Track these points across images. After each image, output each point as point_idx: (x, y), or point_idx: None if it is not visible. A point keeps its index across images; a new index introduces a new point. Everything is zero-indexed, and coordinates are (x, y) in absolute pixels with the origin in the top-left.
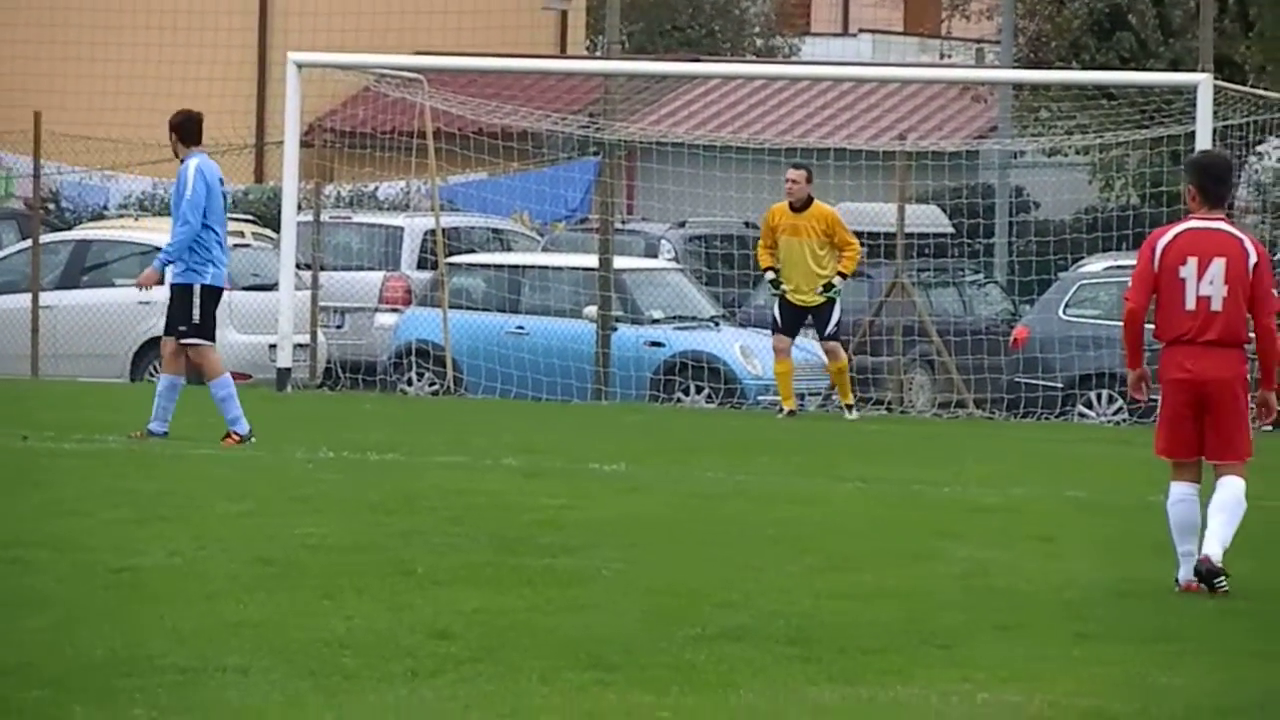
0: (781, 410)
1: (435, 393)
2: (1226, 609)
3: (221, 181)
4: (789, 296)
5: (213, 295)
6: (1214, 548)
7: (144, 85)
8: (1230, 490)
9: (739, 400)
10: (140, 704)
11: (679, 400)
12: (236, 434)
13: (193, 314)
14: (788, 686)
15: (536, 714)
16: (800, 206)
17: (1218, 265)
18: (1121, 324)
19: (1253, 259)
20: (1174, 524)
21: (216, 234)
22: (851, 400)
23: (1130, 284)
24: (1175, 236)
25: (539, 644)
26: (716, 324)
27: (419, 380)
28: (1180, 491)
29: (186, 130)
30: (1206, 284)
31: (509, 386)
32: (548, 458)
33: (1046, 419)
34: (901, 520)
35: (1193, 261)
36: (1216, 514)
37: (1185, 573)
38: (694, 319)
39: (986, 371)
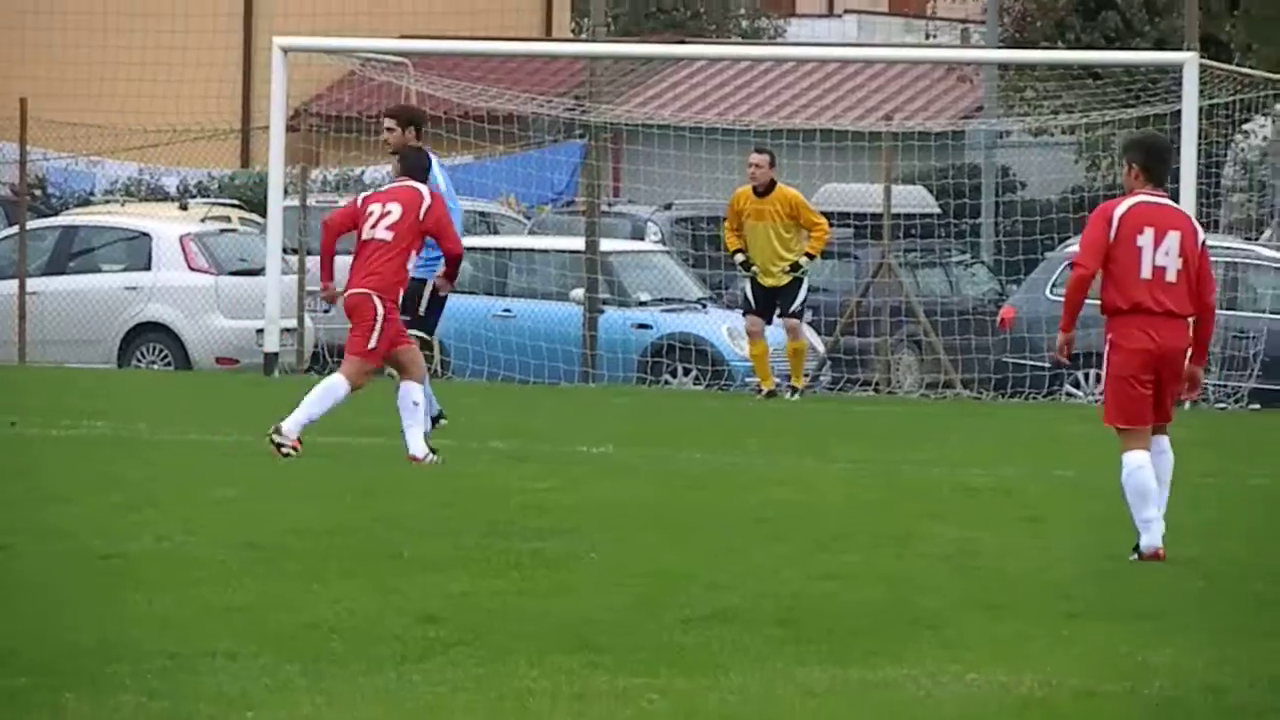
0: (760, 391)
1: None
2: (1214, 588)
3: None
4: (757, 279)
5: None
6: (1157, 538)
7: (130, 71)
8: (1167, 455)
9: (726, 382)
10: (129, 689)
11: (667, 382)
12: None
13: (419, 307)
14: (776, 668)
15: (525, 697)
16: (764, 190)
17: (1173, 238)
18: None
19: (1200, 236)
20: (1134, 492)
21: None
22: (800, 384)
23: (1080, 250)
24: (1130, 207)
25: (527, 627)
26: (704, 306)
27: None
28: (1138, 459)
29: (420, 129)
30: (1162, 254)
31: (496, 369)
32: (535, 441)
33: (1034, 399)
34: (889, 501)
35: (1149, 231)
36: (1161, 490)
37: (1147, 540)
38: (681, 301)
39: (974, 352)
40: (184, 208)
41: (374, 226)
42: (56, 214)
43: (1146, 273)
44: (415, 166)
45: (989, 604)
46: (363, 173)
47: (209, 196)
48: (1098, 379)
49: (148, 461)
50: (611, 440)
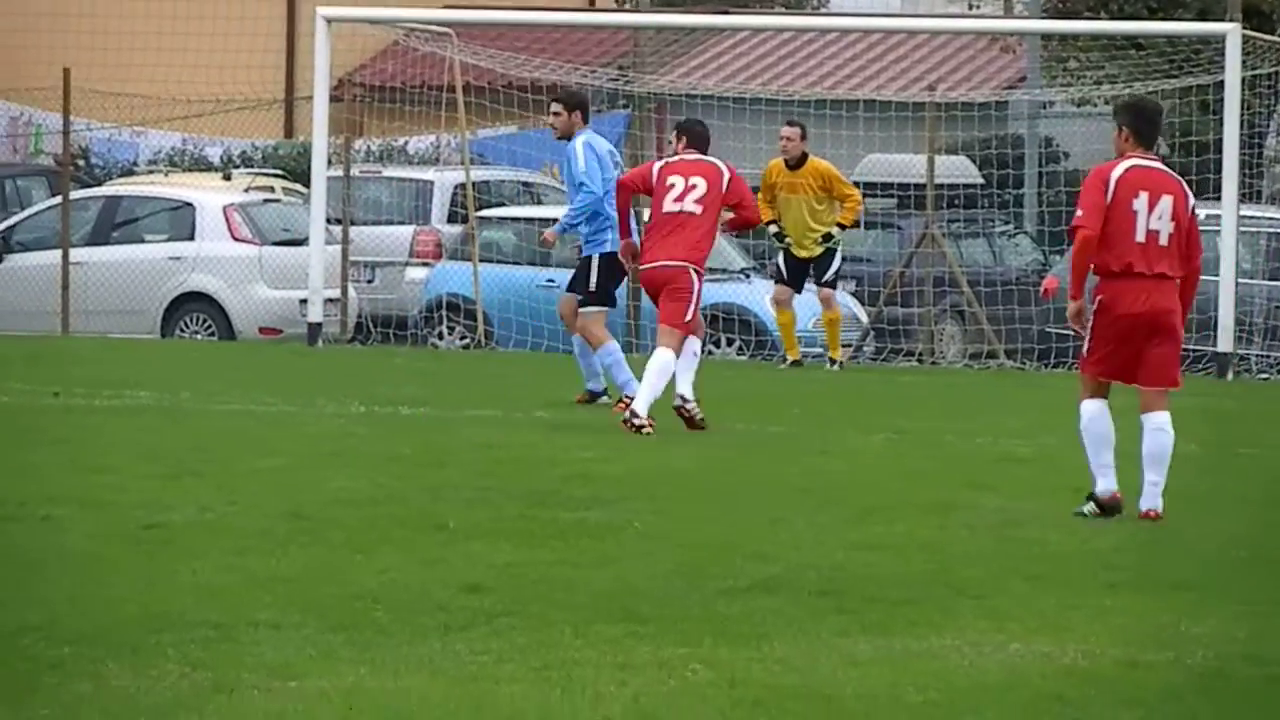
0: (785, 360)
1: (466, 346)
2: (1257, 557)
3: (611, 154)
4: (791, 250)
5: (610, 263)
6: (1159, 502)
7: (173, 41)
8: (1166, 434)
9: (770, 352)
10: (172, 659)
11: (710, 352)
12: (627, 397)
13: (590, 282)
14: (820, 638)
15: (569, 667)
16: (795, 164)
17: (1166, 201)
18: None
19: (1191, 201)
20: (1095, 438)
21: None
22: (838, 355)
23: (1081, 213)
24: (1126, 170)
25: (571, 597)
26: (747, 276)
27: (450, 334)
28: (1098, 407)
29: (586, 112)
30: (1155, 218)
31: (539, 340)
32: (579, 411)
33: (1077, 369)
34: (932, 471)
35: (1144, 195)
36: (1157, 465)
37: (1105, 485)
38: (724, 271)
39: (1017, 322)
40: (227, 178)
41: (679, 200)
42: (100, 184)
43: (1141, 236)
44: (702, 139)
45: (1032, 574)
46: (406, 143)
47: (252, 167)
48: None
49: (191, 432)
50: (655, 410)
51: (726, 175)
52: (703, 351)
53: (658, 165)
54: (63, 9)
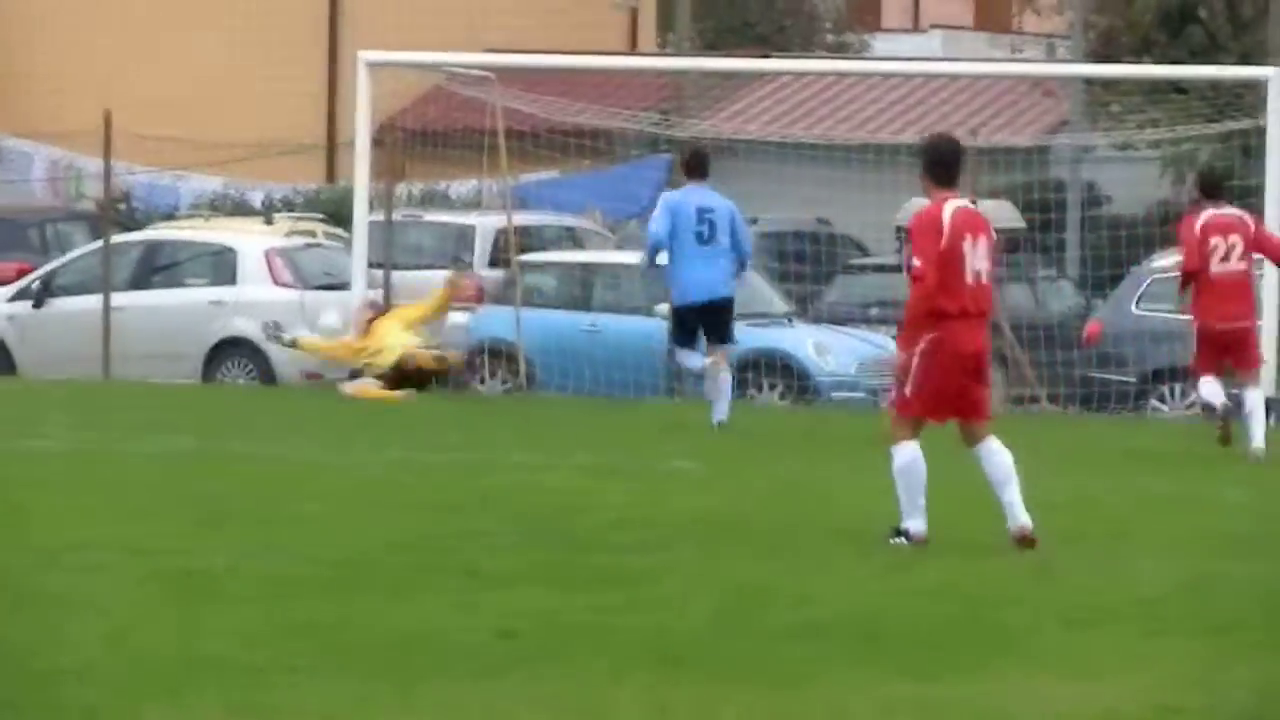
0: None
1: (508, 391)
2: None
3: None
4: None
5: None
6: (1026, 517)
7: (215, 85)
8: (1006, 453)
9: (812, 397)
10: (211, 704)
11: (752, 397)
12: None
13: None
14: (858, 682)
15: (605, 712)
16: None
17: (984, 242)
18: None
19: (993, 237)
20: (916, 480)
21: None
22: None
23: (921, 261)
24: (954, 213)
25: (608, 642)
26: (789, 321)
27: (491, 379)
28: (916, 448)
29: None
30: (978, 259)
31: (582, 384)
32: (619, 456)
33: (1119, 414)
34: (972, 515)
35: (969, 238)
36: (1008, 482)
37: (919, 526)
38: (766, 316)
39: (1059, 366)
40: (269, 222)
41: (1225, 260)
42: (141, 229)
43: (970, 278)
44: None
45: (1070, 619)
46: (448, 187)
47: (294, 211)
48: (1183, 394)
49: (232, 477)
50: (695, 455)
51: (1251, 228)
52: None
53: (1200, 227)
54: (103, 52)
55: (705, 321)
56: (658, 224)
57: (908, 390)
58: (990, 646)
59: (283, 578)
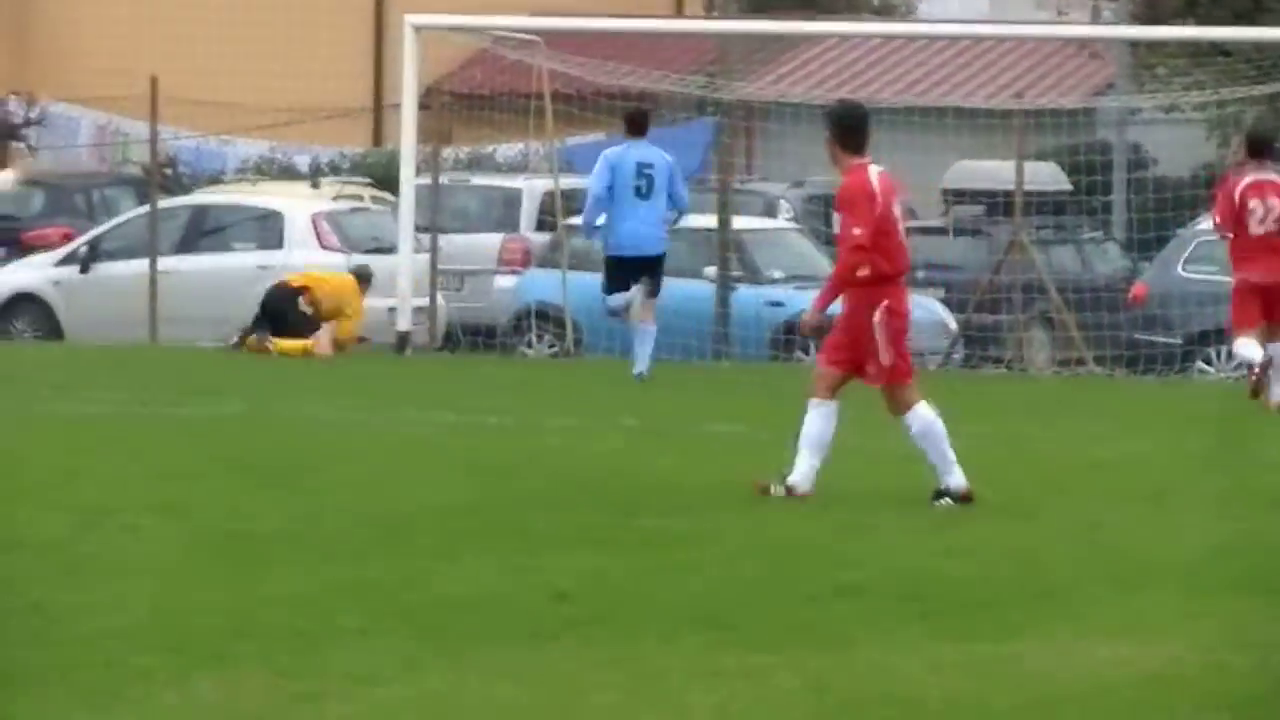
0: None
1: (555, 354)
2: None
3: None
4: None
5: None
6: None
7: (261, 49)
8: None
9: None
10: (258, 667)
11: (799, 359)
12: None
13: None
14: (905, 643)
15: (655, 675)
16: None
17: (899, 204)
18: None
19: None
20: (939, 437)
21: None
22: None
23: (861, 230)
24: (879, 178)
25: (656, 605)
26: None
27: (538, 342)
28: (928, 407)
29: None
30: (902, 222)
31: (628, 348)
32: (666, 419)
33: (1165, 376)
34: (1018, 476)
35: (895, 201)
36: (943, 441)
37: (960, 480)
38: (813, 278)
39: (1105, 329)
40: (316, 186)
41: (1262, 222)
42: (188, 193)
43: (902, 238)
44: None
45: (1117, 578)
46: (494, 151)
47: (340, 175)
48: (1228, 355)
49: (277, 440)
50: (742, 418)
51: None
52: None
53: (1241, 189)
54: (149, 16)
55: (635, 273)
56: (597, 181)
57: (886, 359)
58: (1037, 606)
59: (331, 540)
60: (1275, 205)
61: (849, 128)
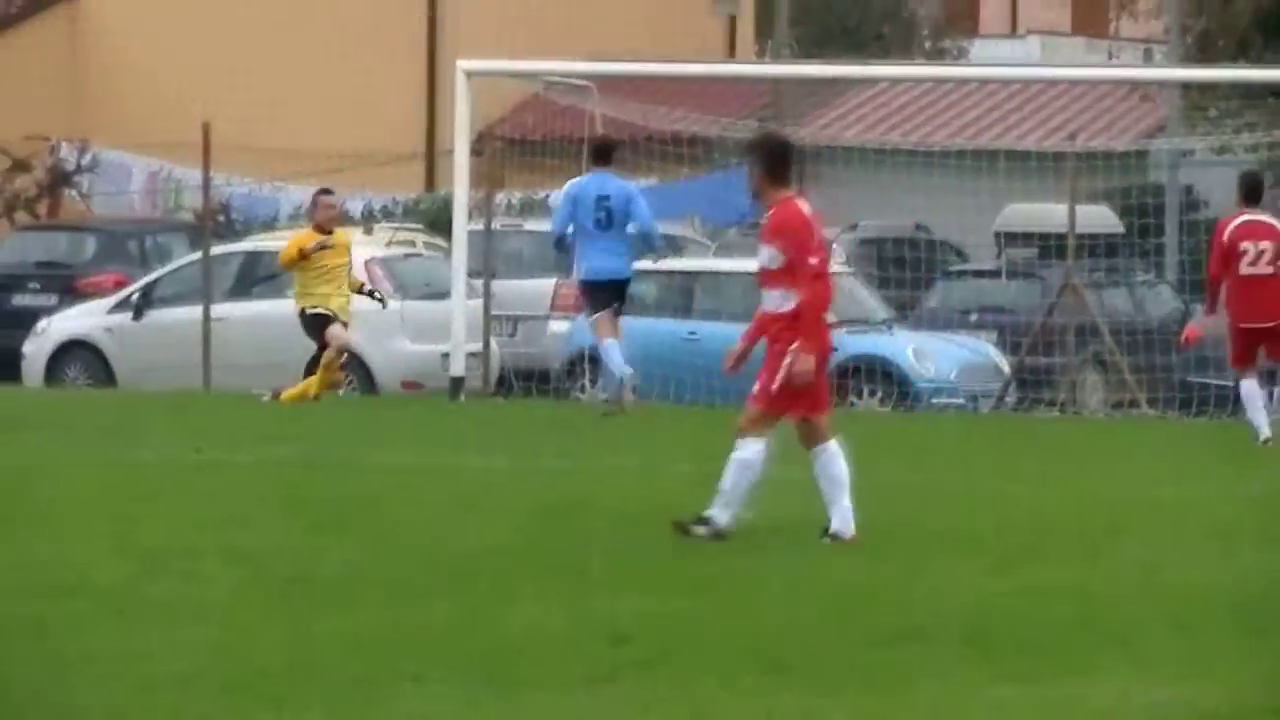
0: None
1: (608, 403)
2: None
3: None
4: None
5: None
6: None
7: (313, 94)
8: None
9: (912, 403)
10: (317, 712)
11: (852, 404)
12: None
13: None
14: (965, 686)
15: (715, 717)
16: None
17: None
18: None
19: None
20: (845, 477)
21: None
22: None
23: (818, 260)
24: (811, 211)
25: (716, 647)
26: (889, 327)
27: (592, 387)
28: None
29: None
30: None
31: (682, 392)
32: (720, 463)
33: (1219, 417)
34: (1076, 518)
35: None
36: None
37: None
38: (866, 322)
39: (1158, 371)
40: (369, 232)
41: (1253, 264)
42: (240, 239)
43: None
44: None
45: (1176, 620)
46: (547, 196)
47: (393, 220)
48: None
49: (334, 484)
50: (796, 461)
51: None
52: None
53: (1232, 230)
54: (200, 63)
55: (608, 293)
56: (558, 216)
57: (774, 386)
58: (1098, 647)
59: (390, 583)
60: (1267, 247)
61: (779, 159)
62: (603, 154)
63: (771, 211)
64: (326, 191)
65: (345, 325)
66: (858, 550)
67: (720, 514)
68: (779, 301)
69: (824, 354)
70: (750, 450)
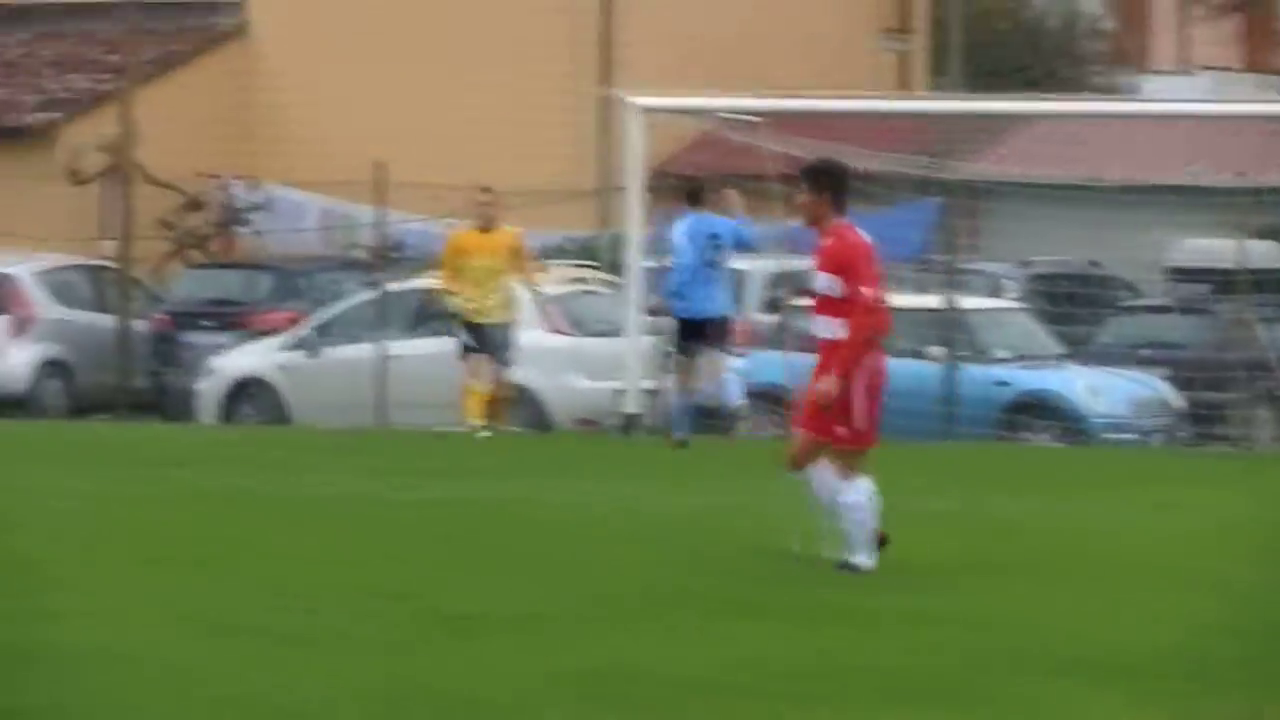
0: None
1: (780, 436)
2: None
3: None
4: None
5: None
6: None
7: (486, 131)
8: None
9: (1084, 439)
10: None
11: (1025, 439)
12: None
13: None
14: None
15: None
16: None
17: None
18: None
19: None
20: (871, 514)
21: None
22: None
23: (871, 290)
24: (868, 243)
25: (880, 683)
26: (1061, 362)
27: (764, 423)
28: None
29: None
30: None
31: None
32: (886, 497)
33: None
34: (1240, 549)
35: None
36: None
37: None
38: (1038, 357)
39: None
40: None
41: None
42: (413, 276)
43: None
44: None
45: None
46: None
47: (567, 258)
48: None
49: (501, 525)
50: (961, 496)
51: None
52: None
53: None
54: (373, 101)
55: (701, 334)
56: (682, 255)
57: (861, 423)
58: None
59: (553, 620)
60: None
61: (840, 186)
62: (695, 195)
63: (830, 241)
64: (485, 190)
65: (503, 328)
66: (1013, 585)
67: (863, 560)
68: (835, 329)
69: (874, 384)
70: (855, 493)
